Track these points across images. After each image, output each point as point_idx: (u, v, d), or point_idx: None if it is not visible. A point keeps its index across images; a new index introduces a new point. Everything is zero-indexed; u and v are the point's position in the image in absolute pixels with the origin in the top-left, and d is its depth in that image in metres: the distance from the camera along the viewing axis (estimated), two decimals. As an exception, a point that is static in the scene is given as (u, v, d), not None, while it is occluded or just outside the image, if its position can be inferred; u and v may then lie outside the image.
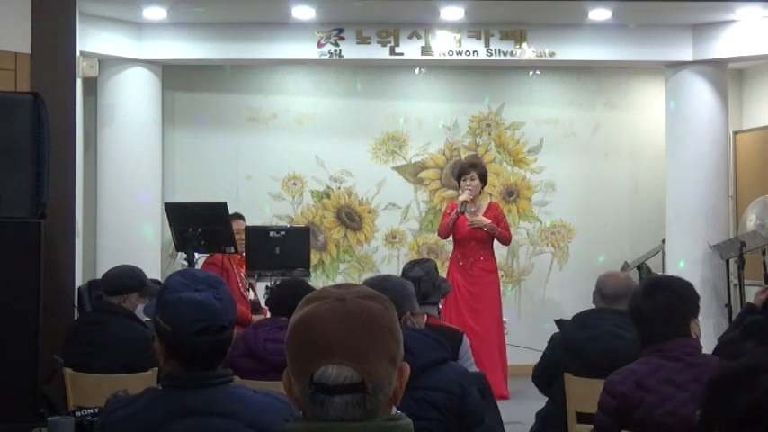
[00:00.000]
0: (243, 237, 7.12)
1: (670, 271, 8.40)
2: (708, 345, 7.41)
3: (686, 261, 8.53)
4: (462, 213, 7.75)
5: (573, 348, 4.44)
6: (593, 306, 4.73)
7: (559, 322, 4.87)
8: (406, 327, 3.42)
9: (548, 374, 4.53)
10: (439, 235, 8.10)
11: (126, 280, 5.10)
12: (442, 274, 6.92)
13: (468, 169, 7.92)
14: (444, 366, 3.28)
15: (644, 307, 3.35)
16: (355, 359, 1.64)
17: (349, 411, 1.65)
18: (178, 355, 2.55)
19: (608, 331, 4.35)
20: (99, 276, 7.81)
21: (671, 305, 3.32)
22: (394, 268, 8.74)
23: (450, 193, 8.35)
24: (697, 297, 3.41)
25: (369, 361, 1.65)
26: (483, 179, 7.92)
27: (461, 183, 7.87)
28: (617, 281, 4.64)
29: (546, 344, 4.77)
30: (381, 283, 3.46)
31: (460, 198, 7.78)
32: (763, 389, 1.51)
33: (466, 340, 4.70)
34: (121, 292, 5.05)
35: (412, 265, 5.27)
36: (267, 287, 7.01)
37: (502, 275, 8.87)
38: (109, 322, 4.95)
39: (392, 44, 8.36)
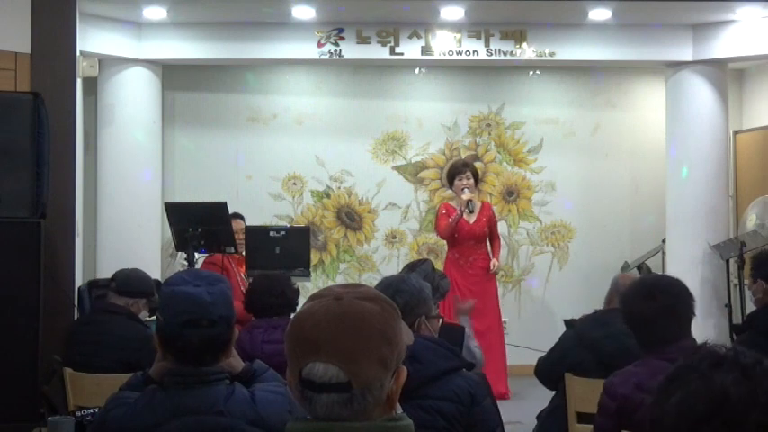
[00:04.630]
0: (242, 236, 7.12)
1: (670, 271, 8.40)
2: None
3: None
4: (472, 212, 7.82)
5: (588, 344, 4.44)
6: (601, 307, 4.74)
7: (569, 322, 4.87)
8: (419, 333, 3.38)
9: (558, 369, 4.51)
10: (440, 236, 8.11)
11: (141, 284, 5.09)
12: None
13: (463, 168, 7.98)
14: (455, 376, 3.19)
15: (646, 310, 3.30)
16: (342, 358, 1.64)
17: (335, 410, 1.65)
18: (170, 348, 2.57)
19: (623, 330, 4.35)
20: (99, 276, 7.83)
21: (673, 306, 3.30)
22: (394, 268, 8.74)
23: (450, 193, 8.35)
24: (693, 297, 3.39)
25: (356, 361, 1.64)
26: (476, 178, 8.04)
27: (456, 182, 7.91)
28: None
29: (544, 343, 4.77)
30: (399, 284, 3.40)
31: (464, 197, 7.81)
32: (691, 387, 1.49)
33: (467, 337, 4.70)
34: (134, 294, 5.02)
35: (408, 269, 5.26)
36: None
37: (502, 275, 8.88)
38: (109, 322, 4.94)
39: (392, 44, 8.36)
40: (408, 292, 3.38)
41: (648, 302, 3.30)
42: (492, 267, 7.90)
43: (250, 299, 4.86)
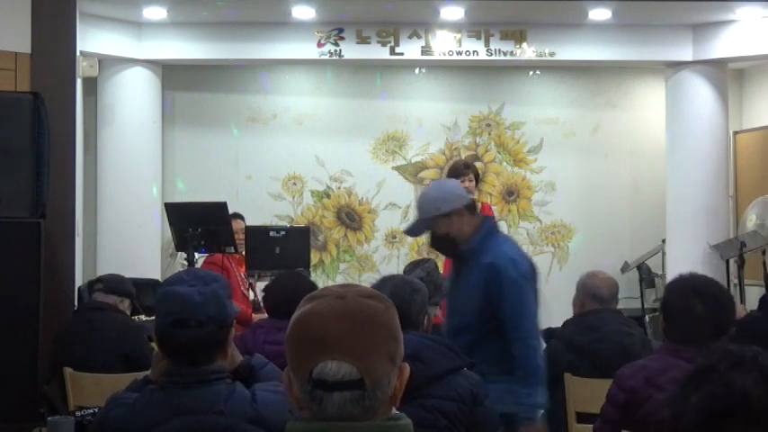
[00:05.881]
0: (242, 236, 7.12)
1: (670, 271, 8.39)
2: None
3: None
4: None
5: (580, 351, 4.40)
6: (574, 310, 4.70)
7: (547, 331, 4.82)
8: (427, 330, 3.44)
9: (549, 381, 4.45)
10: (441, 237, 8.09)
11: (126, 285, 5.40)
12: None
13: (465, 171, 7.94)
14: (457, 375, 3.21)
15: (696, 308, 3.27)
16: (354, 356, 1.64)
17: (347, 408, 1.65)
18: (164, 348, 2.59)
19: (616, 330, 4.33)
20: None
21: (719, 320, 3.30)
22: (394, 268, 8.74)
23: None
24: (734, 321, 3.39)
25: (368, 358, 1.65)
26: (477, 180, 8.01)
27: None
28: (608, 282, 4.64)
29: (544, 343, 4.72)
30: (413, 284, 3.45)
31: None
32: (712, 386, 1.51)
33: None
34: (121, 293, 5.30)
35: (412, 266, 5.26)
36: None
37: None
38: (100, 319, 5.14)
39: (392, 44, 8.36)
40: (422, 292, 3.45)
41: (700, 304, 3.28)
42: None
43: (264, 297, 4.87)
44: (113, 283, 5.35)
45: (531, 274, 4.01)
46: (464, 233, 4.04)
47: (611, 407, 3.34)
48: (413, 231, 4.30)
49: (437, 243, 4.17)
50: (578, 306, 4.64)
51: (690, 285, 3.38)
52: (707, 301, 3.29)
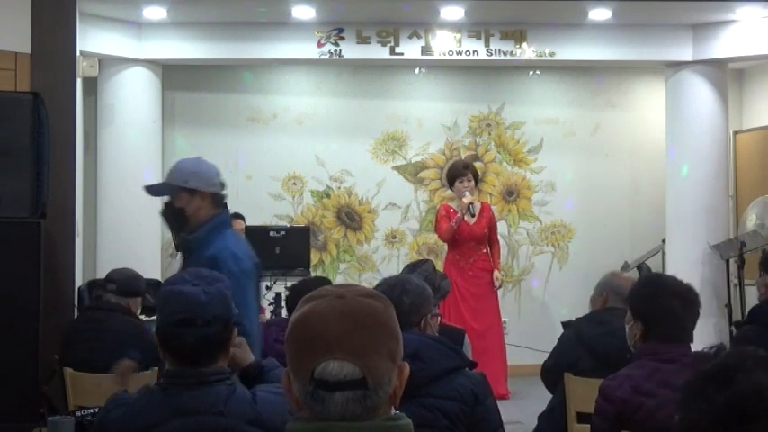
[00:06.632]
0: (242, 236, 7.12)
1: (670, 271, 8.39)
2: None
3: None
4: (474, 215, 7.83)
5: (586, 344, 4.44)
6: (592, 307, 4.74)
7: (567, 324, 4.86)
8: (424, 331, 3.42)
9: (557, 370, 4.51)
10: (442, 238, 8.08)
11: (140, 283, 5.36)
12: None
13: (464, 171, 7.97)
14: (458, 375, 3.21)
15: (677, 307, 3.31)
16: (356, 355, 1.64)
17: (349, 408, 1.65)
18: (167, 348, 2.58)
19: (623, 327, 4.35)
20: (99, 276, 7.83)
21: (697, 312, 3.33)
22: (394, 268, 8.74)
23: (450, 193, 8.36)
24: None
25: (369, 357, 1.65)
26: (476, 179, 8.04)
27: (457, 184, 7.89)
28: (632, 282, 4.66)
29: (544, 343, 4.76)
30: (404, 285, 3.43)
31: (465, 200, 7.80)
32: (739, 386, 1.49)
33: (467, 339, 4.71)
34: (135, 294, 5.28)
35: (410, 269, 5.26)
36: (267, 287, 7.02)
37: (503, 274, 8.88)
38: (105, 319, 5.11)
39: (392, 44, 8.36)
40: (414, 291, 3.42)
41: (680, 305, 3.30)
42: (495, 281, 7.90)
43: (287, 296, 4.90)
44: (126, 285, 5.27)
45: (252, 271, 3.98)
46: (198, 218, 4.03)
47: (601, 420, 3.32)
48: (152, 190, 4.32)
49: (169, 214, 4.13)
50: (600, 302, 4.67)
51: (663, 286, 3.40)
52: (685, 301, 3.32)
